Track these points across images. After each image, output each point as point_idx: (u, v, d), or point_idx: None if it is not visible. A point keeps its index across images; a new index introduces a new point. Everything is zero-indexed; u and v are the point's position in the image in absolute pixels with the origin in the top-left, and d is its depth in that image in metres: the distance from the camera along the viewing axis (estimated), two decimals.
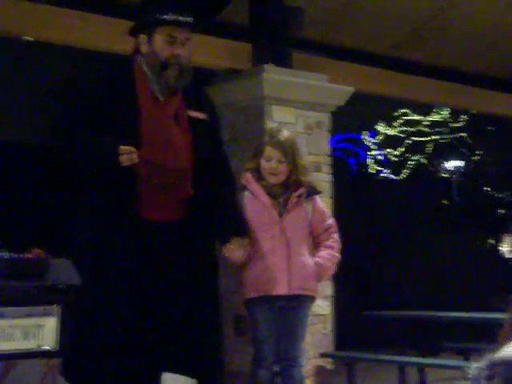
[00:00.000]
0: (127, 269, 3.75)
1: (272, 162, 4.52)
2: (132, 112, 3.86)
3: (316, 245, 4.66)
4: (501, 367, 1.27)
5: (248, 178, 4.57)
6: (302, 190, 4.56)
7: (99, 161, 3.77)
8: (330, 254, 4.65)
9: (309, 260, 4.58)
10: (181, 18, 3.93)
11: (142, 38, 3.98)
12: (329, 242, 4.66)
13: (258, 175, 4.57)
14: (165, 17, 3.89)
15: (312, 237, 4.65)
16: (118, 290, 3.73)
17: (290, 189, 4.56)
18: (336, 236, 4.72)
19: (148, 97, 3.93)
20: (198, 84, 4.24)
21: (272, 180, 4.54)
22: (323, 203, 4.87)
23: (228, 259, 4.30)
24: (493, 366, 1.28)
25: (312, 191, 4.65)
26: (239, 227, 4.20)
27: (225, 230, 4.13)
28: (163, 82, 3.92)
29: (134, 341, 3.69)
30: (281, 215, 4.53)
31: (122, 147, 3.69)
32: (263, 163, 4.54)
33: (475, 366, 1.31)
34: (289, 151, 4.54)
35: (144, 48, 3.97)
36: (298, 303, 4.59)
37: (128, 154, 3.68)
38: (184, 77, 3.96)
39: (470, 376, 1.33)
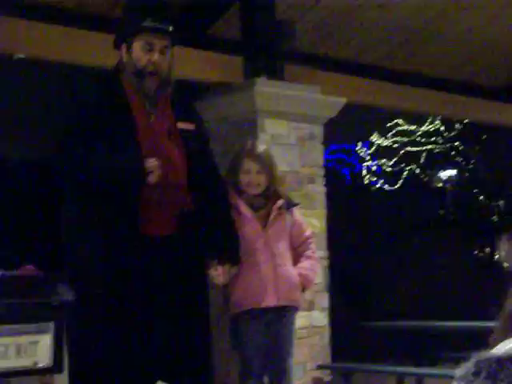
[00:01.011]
0: (128, 282, 3.72)
1: (251, 174, 4.55)
2: (130, 128, 3.81)
3: (295, 256, 4.68)
4: (485, 363, 1.32)
5: (229, 191, 4.58)
6: (281, 202, 4.59)
7: (122, 177, 3.72)
8: (311, 264, 4.69)
9: (293, 271, 4.61)
10: (158, 25, 3.88)
11: (124, 47, 3.93)
12: (308, 253, 4.71)
13: (237, 189, 4.58)
14: (143, 24, 3.85)
15: (291, 248, 4.67)
16: (118, 303, 3.70)
17: (269, 201, 4.60)
18: (314, 247, 4.79)
19: (141, 111, 3.89)
20: (183, 94, 4.19)
21: (251, 191, 4.56)
22: (300, 215, 4.90)
23: (211, 280, 4.33)
24: (478, 363, 1.34)
25: (290, 203, 4.70)
26: (233, 252, 4.19)
27: (219, 251, 4.13)
28: (142, 92, 3.87)
29: (128, 356, 3.67)
30: (263, 227, 4.55)
31: (150, 164, 3.67)
32: (242, 176, 4.56)
33: (462, 366, 1.37)
34: (267, 163, 4.59)
35: (125, 58, 3.93)
36: (284, 315, 4.60)
37: (155, 171, 3.67)
38: (164, 86, 3.91)
39: (458, 375, 1.38)
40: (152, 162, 3.69)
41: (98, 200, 3.74)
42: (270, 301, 4.50)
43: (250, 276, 4.48)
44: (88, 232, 3.76)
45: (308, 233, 4.79)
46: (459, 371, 1.37)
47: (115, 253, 3.71)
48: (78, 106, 3.85)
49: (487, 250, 16.63)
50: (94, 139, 3.73)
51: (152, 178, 3.69)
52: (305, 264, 4.66)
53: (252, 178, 4.55)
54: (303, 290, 4.68)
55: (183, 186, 3.93)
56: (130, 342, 3.70)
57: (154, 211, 3.80)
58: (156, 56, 3.86)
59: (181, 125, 3.99)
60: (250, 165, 4.56)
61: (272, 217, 4.56)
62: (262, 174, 4.56)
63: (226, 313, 4.70)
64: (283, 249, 4.60)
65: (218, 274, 4.22)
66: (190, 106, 4.27)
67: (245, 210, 4.54)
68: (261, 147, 4.72)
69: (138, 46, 3.87)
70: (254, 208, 4.57)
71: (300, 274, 4.61)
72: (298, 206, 4.89)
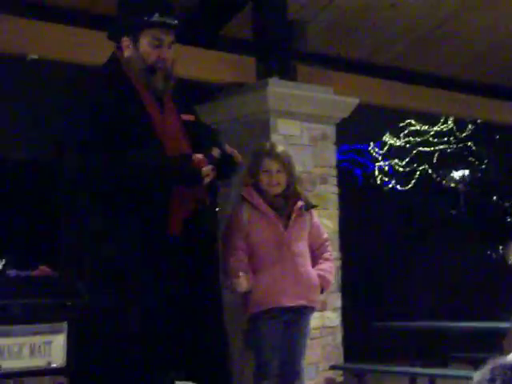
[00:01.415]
0: (161, 283, 3.68)
1: (271, 174, 4.59)
2: (148, 126, 3.74)
3: (313, 257, 4.72)
4: (500, 370, 1.32)
5: (250, 191, 4.60)
6: (301, 203, 4.64)
7: (177, 178, 3.67)
8: (329, 266, 4.76)
9: (313, 271, 4.66)
10: (169, 21, 3.81)
11: (126, 41, 3.83)
12: (326, 255, 4.77)
13: (257, 189, 4.60)
14: (153, 19, 3.77)
15: (309, 249, 4.72)
16: (148, 304, 3.66)
17: (288, 201, 4.63)
18: (331, 249, 4.87)
19: (154, 107, 3.82)
20: (178, 87, 4.11)
21: (271, 191, 4.60)
22: (318, 217, 4.93)
23: (233, 290, 4.41)
24: (493, 369, 1.34)
25: (309, 204, 4.74)
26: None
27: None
28: (152, 88, 3.80)
29: (147, 360, 3.65)
30: (285, 228, 4.57)
31: (206, 168, 3.64)
32: (262, 175, 4.60)
33: (479, 372, 1.37)
34: (286, 162, 4.64)
35: (128, 52, 3.83)
36: (301, 316, 4.65)
37: (210, 174, 3.67)
38: (170, 81, 3.86)
39: (474, 381, 1.38)
40: (208, 167, 3.67)
41: (131, 201, 3.64)
42: (291, 300, 4.55)
43: (272, 275, 4.52)
44: (120, 234, 3.64)
45: (325, 235, 4.86)
46: (476, 377, 1.38)
47: (149, 253, 3.65)
48: (93, 107, 3.69)
49: (500, 250, 16.57)
50: (116, 139, 3.64)
51: (207, 181, 3.67)
52: (324, 266, 4.72)
53: (272, 177, 4.58)
54: (321, 291, 4.73)
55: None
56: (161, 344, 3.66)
57: (176, 209, 3.76)
58: (166, 52, 3.82)
59: (184, 117, 3.94)
60: (270, 164, 4.60)
61: (293, 217, 4.60)
62: (281, 174, 4.60)
63: (243, 313, 4.71)
64: (303, 249, 4.65)
65: (241, 281, 4.29)
66: (184, 98, 4.16)
67: (267, 210, 4.57)
68: (280, 147, 4.77)
69: (145, 40, 3.79)
70: (275, 208, 4.60)
71: (319, 276, 4.66)
72: (325, 207, 4.95)
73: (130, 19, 3.83)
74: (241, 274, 4.40)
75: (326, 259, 4.75)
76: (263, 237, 4.50)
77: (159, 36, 3.80)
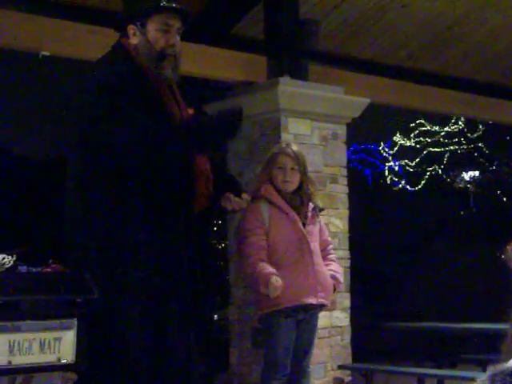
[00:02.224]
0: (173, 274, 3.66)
1: (285, 170, 4.63)
2: (167, 118, 3.68)
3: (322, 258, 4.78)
4: (500, 377, 1.33)
5: (268, 188, 4.63)
6: (313, 204, 4.71)
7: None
8: (337, 267, 4.86)
9: (327, 271, 4.72)
10: (177, 5, 3.75)
11: (132, 28, 3.75)
12: (332, 256, 4.88)
13: (273, 187, 4.64)
14: (159, 4, 3.70)
15: None
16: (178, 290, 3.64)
17: (303, 200, 4.68)
18: (333, 250, 4.96)
19: (170, 98, 3.77)
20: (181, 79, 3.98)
21: (285, 188, 4.64)
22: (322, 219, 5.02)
23: (271, 291, 4.40)
24: (494, 376, 1.34)
25: (318, 207, 4.80)
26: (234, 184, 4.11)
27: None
28: (161, 75, 3.72)
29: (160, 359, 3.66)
30: (303, 226, 4.63)
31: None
32: (276, 172, 4.64)
33: (479, 380, 1.38)
34: (300, 161, 4.69)
35: (135, 39, 3.75)
36: (313, 314, 4.70)
37: None
38: (178, 69, 3.80)
39: None
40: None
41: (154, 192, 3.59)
42: (311, 299, 4.59)
43: (293, 273, 4.55)
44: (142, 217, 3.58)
45: (329, 237, 4.97)
46: (479, 382, 1.39)
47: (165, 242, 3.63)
48: (113, 100, 3.56)
49: (502, 256, 16.51)
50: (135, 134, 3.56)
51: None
52: (333, 267, 4.79)
53: (286, 174, 4.62)
54: (334, 290, 4.79)
55: (210, 176, 3.85)
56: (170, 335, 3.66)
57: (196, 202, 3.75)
58: (174, 37, 3.75)
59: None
60: (284, 161, 4.65)
61: (310, 216, 4.66)
62: (295, 171, 4.64)
63: (257, 311, 4.73)
64: (318, 248, 4.71)
65: (277, 285, 4.37)
66: (185, 92, 4.03)
67: (286, 207, 4.61)
68: (294, 146, 4.82)
69: (153, 26, 3.72)
70: (293, 207, 4.65)
71: (332, 276, 4.73)
72: (337, 206, 5.04)
73: (136, 5, 3.76)
74: (274, 278, 4.41)
75: (333, 260, 4.85)
76: (284, 234, 4.54)
77: (167, 21, 3.74)
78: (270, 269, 4.47)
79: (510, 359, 1.50)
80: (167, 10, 3.73)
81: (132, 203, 3.60)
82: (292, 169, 4.63)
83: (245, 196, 4.01)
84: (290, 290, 4.52)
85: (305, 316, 4.62)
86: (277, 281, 4.40)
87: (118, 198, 3.61)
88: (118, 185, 3.60)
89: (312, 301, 4.59)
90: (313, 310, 4.67)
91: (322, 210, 4.87)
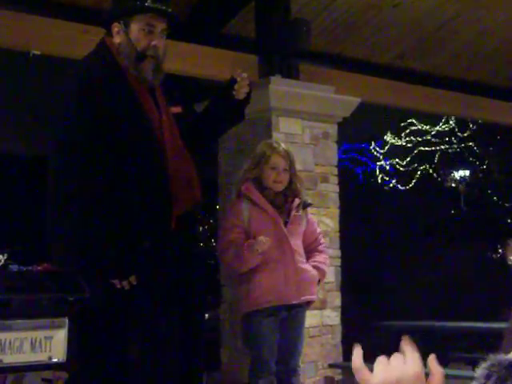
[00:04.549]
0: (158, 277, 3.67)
1: (278, 171, 4.61)
2: (145, 123, 3.67)
3: (308, 252, 4.75)
4: (497, 367, 1.35)
5: (250, 187, 4.60)
6: (299, 200, 4.66)
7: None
8: (324, 257, 4.81)
9: (310, 267, 4.69)
10: (161, 7, 3.70)
11: (117, 27, 3.71)
12: (320, 247, 4.82)
13: (258, 185, 4.61)
14: (145, 4, 3.65)
15: (304, 245, 4.74)
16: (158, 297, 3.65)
17: (288, 199, 4.66)
18: (323, 241, 4.93)
19: (149, 102, 3.73)
20: (167, 77, 3.91)
21: (276, 188, 4.62)
22: (311, 214, 4.98)
23: (254, 246, 4.37)
24: (491, 366, 1.36)
25: (306, 203, 4.76)
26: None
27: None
28: (140, 76, 3.68)
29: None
30: (285, 224, 4.60)
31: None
32: (268, 172, 4.60)
33: (479, 368, 1.39)
34: (291, 161, 4.68)
35: (118, 38, 3.72)
36: (298, 312, 4.66)
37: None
38: (160, 72, 3.75)
39: (475, 376, 1.40)
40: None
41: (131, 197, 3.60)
42: (293, 297, 4.57)
43: (274, 272, 4.53)
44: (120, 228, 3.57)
45: (319, 229, 4.94)
46: (477, 372, 1.40)
47: (149, 249, 3.63)
48: (84, 104, 3.56)
49: (500, 251, 16.57)
50: (109, 139, 3.56)
51: None
52: (318, 258, 4.75)
53: (279, 175, 4.61)
54: (318, 282, 4.76)
55: (195, 178, 3.85)
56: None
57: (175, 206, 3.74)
58: (157, 39, 3.70)
59: (172, 110, 3.87)
60: (278, 161, 4.61)
61: (292, 214, 4.62)
62: (287, 172, 4.63)
63: (239, 311, 4.72)
64: (300, 246, 4.68)
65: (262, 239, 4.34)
66: (172, 88, 4.05)
67: (267, 206, 4.58)
68: (283, 144, 4.80)
69: (136, 26, 3.67)
70: (275, 205, 4.62)
71: (315, 267, 4.69)
72: (311, 206, 4.98)
73: (121, 4, 3.73)
74: (259, 238, 4.38)
75: (321, 251, 4.80)
76: (264, 233, 4.50)
77: (151, 22, 3.69)
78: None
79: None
80: (151, 11, 3.68)
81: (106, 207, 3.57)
82: (284, 170, 4.62)
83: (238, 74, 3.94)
84: (271, 290, 4.51)
85: (288, 314, 4.60)
86: (261, 238, 4.37)
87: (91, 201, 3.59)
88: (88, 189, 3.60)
89: (294, 301, 4.57)
90: (297, 309, 4.63)
91: (309, 204, 4.83)
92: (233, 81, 3.94)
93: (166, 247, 3.68)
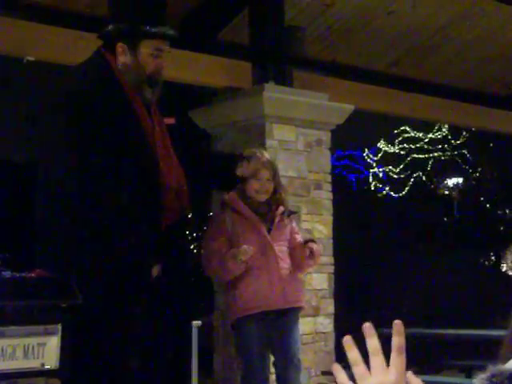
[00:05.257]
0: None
1: (262, 181, 4.60)
2: (141, 138, 3.72)
3: (293, 259, 4.69)
4: (498, 378, 1.33)
5: (233, 196, 4.61)
6: (283, 208, 4.67)
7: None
8: (318, 247, 4.71)
9: (296, 274, 4.70)
10: (170, 32, 3.81)
11: (122, 47, 3.77)
12: (310, 244, 4.70)
13: (242, 195, 4.61)
14: (156, 30, 3.75)
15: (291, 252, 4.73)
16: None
17: (271, 207, 4.66)
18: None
19: (145, 117, 3.80)
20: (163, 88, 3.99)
21: (260, 198, 4.62)
22: (296, 223, 4.98)
23: (237, 255, 4.38)
24: (491, 377, 1.34)
25: (290, 211, 4.78)
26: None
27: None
28: (143, 96, 3.78)
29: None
30: (268, 232, 4.60)
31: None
32: (252, 182, 4.59)
33: (477, 378, 1.37)
34: (275, 170, 4.69)
35: (123, 58, 3.77)
36: (287, 316, 4.65)
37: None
38: (159, 89, 3.84)
39: None
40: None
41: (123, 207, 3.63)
42: (279, 303, 4.57)
43: (258, 279, 4.54)
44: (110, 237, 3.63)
45: (300, 238, 4.81)
46: (476, 381, 1.38)
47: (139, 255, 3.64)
48: (83, 113, 3.62)
49: (493, 258, 16.60)
50: (107, 148, 3.60)
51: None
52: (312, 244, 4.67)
53: (262, 184, 4.60)
54: (311, 256, 4.63)
55: (185, 189, 3.90)
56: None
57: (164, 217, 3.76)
58: (163, 62, 3.82)
59: (165, 121, 3.93)
60: (262, 172, 4.60)
61: (276, 222, 4.63)
62: (271, 182, 4.63)
63: (229, 317, 4.72)
64: (286, 253, 4.67)
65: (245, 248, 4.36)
66: (166, 99, 4.11)
67: (249, 214, 4.59)
68: (267, 154, 4.78)
69: (145, 51, 3.76)
70: (258, 214, 4.63)
71: (308, 246, 4.61)
72: (296, 215, 4.99)
73: (130, 27, 3.77)
74: (242, 247, 4.39)
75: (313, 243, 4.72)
76: (247, 241, 4.50)
77: (159, 46, 3.79)
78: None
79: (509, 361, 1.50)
80: (162, 38, 3.79)
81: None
82: (268, 180, 4.61)
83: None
84: (256, 296, 4.53)
85: (277, 319, 4.60)
86: (244, 247, 4.37)
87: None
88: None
89: (280, 306, 4.58)
90: (286, 314, 4.63)
91: (294, 213, 4.85)
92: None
93: (155, 255, 3.70)
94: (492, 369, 1.38)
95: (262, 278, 4.54)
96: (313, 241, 4.76)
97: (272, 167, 4.65)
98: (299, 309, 4.77)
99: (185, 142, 4.03)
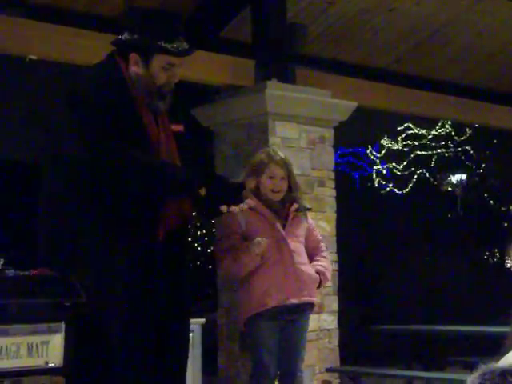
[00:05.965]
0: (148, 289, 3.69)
1: (276, 180, 4.62)
2: (143, 136, 3.74)
3: (310, 257, 4.79)
4: (489, 375, 1.34)
5: (247, 194, 4.62)
6: (297, 205, 4.70)
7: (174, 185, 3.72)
8: (327, 264, 4.86)
9: (311, 269, 4.72)
10: (184, 47, 3.83)
11: (135, 57, 3.80)
12: (324, 254, 4.87)
13: (256, 193, 4.62)
14: (171, 46, 3.78)
15: (306, 251, 4.78)
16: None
17: (285, 204, 4.69)
18: (325, 249, 4.95)
19: (152, 125, 3.82)
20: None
21: (274, 197, 4.65)
22: (312, 220, 5.04)
23: (251, 248, 4.43)
24: (483, 374, 1.35)
25: (305, 207, 4.81)
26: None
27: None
28: (151, 107, 3.82)
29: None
30: (283, 228, 4.63)
31: None
32: (266, 181, 4.62)
33: (470, 376, 1.39)
34: (289, 170, 4.70)
35: (136, 68, 3.80)
36: (300, 314, 4.69)
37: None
38: (168, 100, 3.88)
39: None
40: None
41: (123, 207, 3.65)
42: (293, 296, 4.59)
43: (274, 275, 4.57)
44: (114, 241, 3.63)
45: (320, 236, 4.96)
46: (469, 380, 1.40)
47: (137, 258, 3.66)
48: (91, 116, 3.67)
49: (497, 255, 16.59)
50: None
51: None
52: (322, 263, 4.79)
53: (276, 183, 4.63)
54: (319, 285, 4.77)
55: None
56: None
57: (165, 222, 3.78)
58: (175, 75, 3.85)
59: (173, 128, 3.94)
60: (276, 171, 4.63)
61: (290, 218, 4.66)
62: (284, 181, 4.66)
63: (241, 314, 4.73)
64: (301, 248, 4.71)
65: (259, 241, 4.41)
66: (174, 105, 4.08)
67: (264, 210, 4.62)
68: (281, 152, 4.81)
69: (158, 64, 3.79)
70: (273, 210, 4.65)
71: (319, 271, 4.73)
72: (310, 211, 5.01)
73: (145, 39, 3.80)
74: (255, 240, 4.43)
75: (324, 257, 4.84)
76: (261, 236, 4.52)
77: (173, 61, 3.82)
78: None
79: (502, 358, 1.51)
80: (177, 55, 3.81)
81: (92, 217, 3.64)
82: (282, 178, 4.64)
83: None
84: (271, 292, 4.54)
85: (290, 317, 4.62)
86: (258, 239, 4.42)
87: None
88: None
89: (294, 301, 4.59)
90: (299, 312, 4.65)
91: (308, 209, 4.87)
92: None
93: (155, 259, 3.71)
94: (483, 367, 1.39)
95: (278, 273, 4.56)
96: (324, 272, 4.77)
97: (285, 166, 4.67)
98: (311, 306, 4.78)
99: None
